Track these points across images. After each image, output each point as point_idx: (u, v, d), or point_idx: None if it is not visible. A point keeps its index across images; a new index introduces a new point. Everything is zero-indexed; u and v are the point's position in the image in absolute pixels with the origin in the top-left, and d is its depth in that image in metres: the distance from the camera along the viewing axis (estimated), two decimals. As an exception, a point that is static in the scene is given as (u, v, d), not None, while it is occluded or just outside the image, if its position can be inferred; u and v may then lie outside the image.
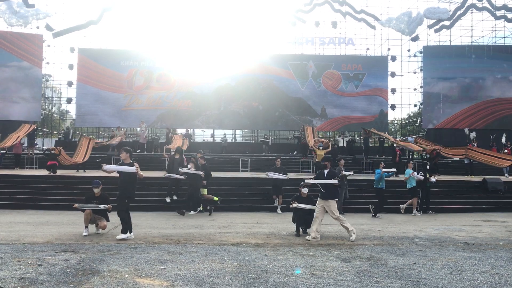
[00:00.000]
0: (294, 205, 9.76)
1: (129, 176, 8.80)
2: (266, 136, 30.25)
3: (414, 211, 14.01)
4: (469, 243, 8.79)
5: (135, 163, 8.89)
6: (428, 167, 15.05)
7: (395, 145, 23.20)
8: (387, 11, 33.24)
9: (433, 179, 14.60)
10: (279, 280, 5.62)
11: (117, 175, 9.00)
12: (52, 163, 17.76)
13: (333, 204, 9.13)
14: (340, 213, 9.62)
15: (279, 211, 13.74)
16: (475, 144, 24.82)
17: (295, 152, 27.64)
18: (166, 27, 43.88)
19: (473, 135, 27.12)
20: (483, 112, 31.96)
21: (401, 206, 14.24)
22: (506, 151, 23.76)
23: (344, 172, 13.28)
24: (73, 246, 7.78)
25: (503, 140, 25.66)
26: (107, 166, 9.03)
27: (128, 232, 8.75)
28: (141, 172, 8.83)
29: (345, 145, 27.23)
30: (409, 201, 14.20)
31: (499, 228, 11.30)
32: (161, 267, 6.20)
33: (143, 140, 26.28)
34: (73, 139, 27.69)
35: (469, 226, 11.46)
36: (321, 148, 18.75)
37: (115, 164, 12.13)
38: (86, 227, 9.21)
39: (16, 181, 16.39)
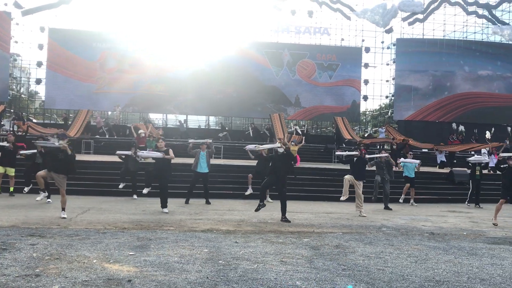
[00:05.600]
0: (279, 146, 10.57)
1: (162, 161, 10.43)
2: (223, 134, 29.74)
3: (412, 201, 14.50)
4: (434, 233, 9.04)
5: (170, 149, 10.50)
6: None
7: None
8: (362, 2, 33.50)
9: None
10: (249, 267, 5.66)
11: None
12: (20, 145, 17.27)
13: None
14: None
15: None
16: (460, 138, 25.46)
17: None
18: (141, 10, 42.98)
19: (461, 128, 27.78)
20: (452, 105, 32.74)
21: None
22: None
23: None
24: (40, 230, 7.63)
25: (488, 135, 26.22)
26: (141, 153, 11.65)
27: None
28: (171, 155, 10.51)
29: (300, 134, 27.41)
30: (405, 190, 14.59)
31: (464, 219, 11.66)
32: (130, 253, 6.16)
33: (99, 124, 25.85)
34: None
35: (435, 217, 11.77)
36: (293, 144, 19.24)
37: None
38: (42, 190, 9.16)
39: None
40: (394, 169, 14.19)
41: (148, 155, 11.27)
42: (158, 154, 10.69)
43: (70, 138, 14.41)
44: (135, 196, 12.82)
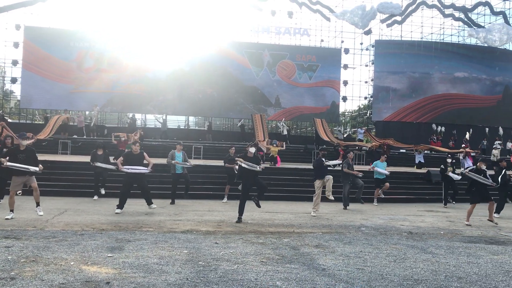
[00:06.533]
0: (240, 162, 9.86)
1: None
2: (208, 124, 29.73)
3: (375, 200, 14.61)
4: (413, 232, 9.16)
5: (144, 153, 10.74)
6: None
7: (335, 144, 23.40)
8: (342, 3, 33.91)
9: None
10: (229, 267, 5.64)
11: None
12: None
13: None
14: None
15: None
16: (440, 139, 25.93)
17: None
18: (119, 8, 42.48)
19: (441, 129, 28.26)
20: (430, 106, 33.32)
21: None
22: (463, 145, 24.64)
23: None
24: (16, 232, 7.46)
25: (467, 136, 26.69)
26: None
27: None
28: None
29: (286, 133, 27.62)
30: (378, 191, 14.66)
31: (441, 218, 11.85)
32: (109, 255, 6.07)
33: (80, 124, 25.48)
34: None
35: (413, 216, 11.93)
36: (275, 145, 19.58)
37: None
38: (12, 211, 8.88)
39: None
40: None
41: (133, 170, 10.71)
42: (143, 169, 10.50)
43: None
44: (103, 191, 13.00)
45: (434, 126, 29.15)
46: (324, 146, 15.75)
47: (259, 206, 10.10)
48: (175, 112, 32.57)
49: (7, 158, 8.84)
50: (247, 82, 32.55)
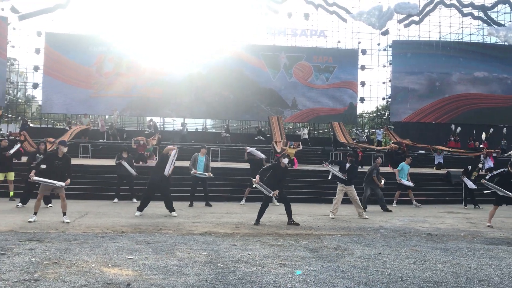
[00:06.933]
0: (255, 183, 9.90)
1: None
2: (226, 127, 29.85)
3: (414, 202, 14.44)
4: (432, 234, 9.06)
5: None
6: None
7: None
8: (358, 4, 33.80)
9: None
10: (247, 269, 5.66)
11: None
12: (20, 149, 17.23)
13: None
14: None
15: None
16: (457, 139, 25.61)
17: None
18: (137, 12, 42.94)
19: (457, 129, 27.92)
20: (449, 107, 32.90)
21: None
22: (482, 146, 24.37)
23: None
24: (38, 235, 7.61)
25: (483, 136, 26.35)
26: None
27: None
28: None
29: (306, 137, 27.64)
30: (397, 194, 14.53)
31: (461, 219, 11.69)
32: (129, 257, 6.15)
33: (102, 128, 25.85)
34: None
35: (432, 218, 11.80)
36: (292, 146, 19.55)
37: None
38: (35, 213, 9.07)
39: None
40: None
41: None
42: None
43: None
44: (134, 200, 12.80)
45: (453, 126, 28.79)
46: (352, 151, 15.43)
47: (297, 224, 9.74)
48: (192, 115, 32.80)
49: (42, 165, 9.24)
50: (263, 85, 32.60)
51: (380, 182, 13.25)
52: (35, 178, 9.07)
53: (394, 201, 14.37)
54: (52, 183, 9.06)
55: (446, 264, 6.30)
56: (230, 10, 39.78)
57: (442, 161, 22.18)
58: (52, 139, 18.49)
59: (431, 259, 6.64)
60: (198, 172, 12.69)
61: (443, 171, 19.25)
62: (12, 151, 12.78)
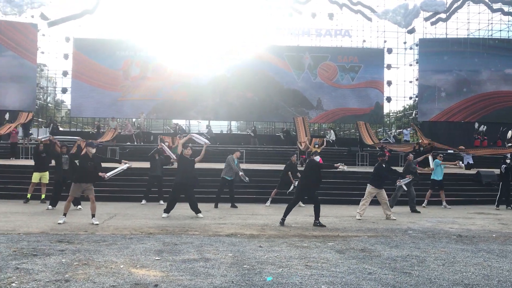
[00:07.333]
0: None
1: None
2: (253, 129, 29.86)
3: (444, 203, 14.19)
4: (462, 235, 8.87)
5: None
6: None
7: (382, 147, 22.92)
8: (383, 3, 33.21)
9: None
10: (273, 271, 5.66)
11: None
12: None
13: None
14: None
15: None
16: (485, 138, 25.06)
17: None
18: (162, 17, 43.54)
19: (482, 128, 27.30)
20: (478, 105, 32.11)
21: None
22: (510, 144, 23.81)
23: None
24: (68, 236, 7.79)
25: (509, 134, 25.73)
26: None
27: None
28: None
29: (334, 139, 27.46)
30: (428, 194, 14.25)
31: (492, 220, 11.41)
32: (156, 258, 6.23)
33: (130, 131, 26.24)
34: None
35: (462, 219, 11.55)
36: (316, 145, 19.49)
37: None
38: (64, 214, 9.32)
39: (11, 171, 16.32)
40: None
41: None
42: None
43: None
44: (161, 202, 12.95)
45: (476, 124, 28.13)
46: (382, 152, 15.15)
47: (323, 226, 9.68)
48: (217, 117, 32.98)
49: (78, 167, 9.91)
50: (288, 86, 32.53)
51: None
52: (108, 174, 9.78)
53: (425, 201, 14.12)
54: (121, 169, 10.23)
55: (477, 266, 6.16)
56: (254, 12, 39.90)
57: (471, 161, 21.69)
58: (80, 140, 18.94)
59: (461, 261, 6.50)
60: (241, 172, 12.85)
61: (472, 171, 18.82)
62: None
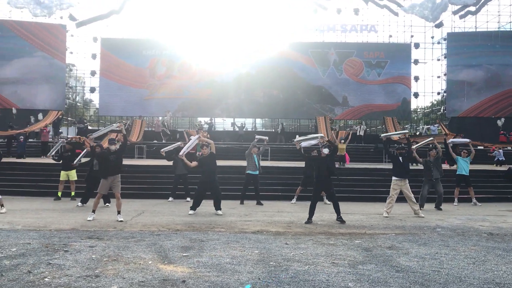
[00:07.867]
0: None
1: None
2: (281, 127, 29.85)
3: (474, 200, 13.88)
4: (493, 233, 8.66)
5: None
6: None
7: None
8: (410, -4, 32.61)
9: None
10: (300, 268, 5.65)
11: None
12: (78, 151, 18.03)
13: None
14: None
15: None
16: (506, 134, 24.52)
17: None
18: (187, 16, 43.88)
19: (500, 123, 26.69)
20: (509, 100, 31.24)
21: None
22: None
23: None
24: (98, 233, 7.95)
25: None
26: None
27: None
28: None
29: (362, 134, 27.20)
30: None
31: (524, 218, 11.11)
32: (184, 254, 6.30)
33: (158, 129, 26.72)
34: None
35: (493, 216, 11.28)
36: (342, 141, 19.25)
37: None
38: (93, 211, 9.50)
39: (42, 169, 16.75)
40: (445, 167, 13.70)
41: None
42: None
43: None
44: (188, 199, 13.08)
45: (498, 121, 27.44)
46: (402, 145, 14.91)
47: (343, 222, 9.67)
48: (242, 115, 33.07)
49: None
50: (313, 82, 32.35)
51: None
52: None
53: (455, 199, 13.82)
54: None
55: (509, 265, 6.02)
56: (278, 9, 39.80)
57: (501, 157, 21.15)
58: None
59: (492, 259, 6.36)
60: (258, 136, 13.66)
61: (504, 168, 18.35)
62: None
